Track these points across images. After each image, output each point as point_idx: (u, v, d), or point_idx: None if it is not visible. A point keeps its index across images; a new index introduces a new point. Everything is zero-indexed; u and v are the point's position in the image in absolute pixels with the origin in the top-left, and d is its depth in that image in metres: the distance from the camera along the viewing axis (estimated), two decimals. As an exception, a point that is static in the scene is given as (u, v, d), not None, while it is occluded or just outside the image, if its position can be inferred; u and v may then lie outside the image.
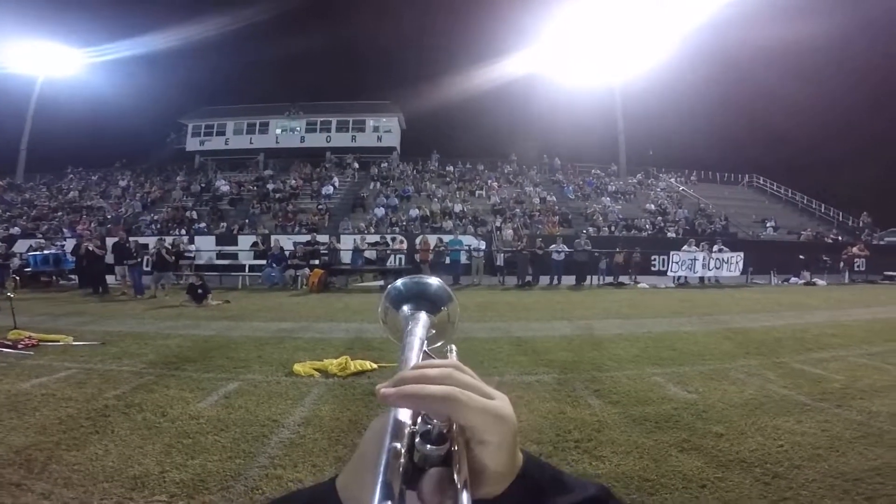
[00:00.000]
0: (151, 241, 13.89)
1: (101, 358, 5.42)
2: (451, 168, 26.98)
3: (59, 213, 22.42)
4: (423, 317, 0.47)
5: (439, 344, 0.50)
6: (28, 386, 4.42)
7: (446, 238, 15.95)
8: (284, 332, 7.27)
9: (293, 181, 24.29)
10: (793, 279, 16.92)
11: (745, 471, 3.10)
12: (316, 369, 4.95)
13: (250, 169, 27.21)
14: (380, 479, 0.28)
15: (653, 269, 16.63)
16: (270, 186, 23.66)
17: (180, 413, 3.79)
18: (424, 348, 0.44)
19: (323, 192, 22.91)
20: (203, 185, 24.71)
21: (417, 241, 15.68)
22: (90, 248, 11.68)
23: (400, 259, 15.34)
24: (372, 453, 0.37)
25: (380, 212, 20.84)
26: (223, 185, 24.09)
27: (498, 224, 19.64)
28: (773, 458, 3.26)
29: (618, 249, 16.04)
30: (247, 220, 20.21)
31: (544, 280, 14.85)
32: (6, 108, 27.30)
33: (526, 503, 0.39)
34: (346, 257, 14.70)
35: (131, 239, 12.25)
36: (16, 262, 13.85)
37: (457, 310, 0.51)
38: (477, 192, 24.11)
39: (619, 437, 3.66)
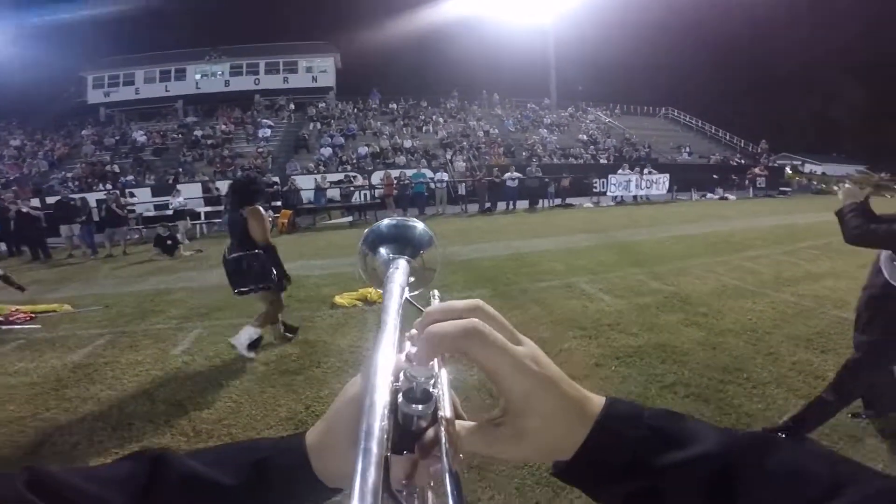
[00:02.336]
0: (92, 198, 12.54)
1: (125, 320, 5.23)
2: (395, 105, 26.39)
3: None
4: (402, 263, 0.44)
5: (419, 291, 0.47)
6: (79, 357, 4.15)
7: (409, 172, 16.33)
8: (291, 271, 7.37)
9: (223, 126, 22.56)
10: (709, 195, 19.49)
11: (736, 336, 4.14)
12: (356, 299, 5.31)
13: (168, 117, 24.76)
14: (361, 446, 0.24)
15: (594, 190, 18.17)
16: (199, 133, 21.84)
17: (268, 354, 3.96)
18: (406, 295, 0.41)
19: (260, 135, 21.65)
20: (117, 137, 22.23)
21: (380, 176, 15.94)
22: (24, 210, 10.47)
23: (365, 195, 15.48)
24: (348, 414, 0.36)
25: (326, 151, 20.28)
26: (141, 136, 21.85)
27: (449, 157, 19.99)
28: (749, 328, 4.35)
29: (564, 175, 17.33)
30: (180, 169, 18.76)
31: (501, 206, 15.88)
32: None
33: (611, 464, 0.33)
34: (306, 197, 14.60)
35: (74, 196, 11.10)
36: None
37: (437, 253, 0.48)
38: (424, 128, 24.02)
39: (638, 319, 4.59)
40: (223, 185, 14.47)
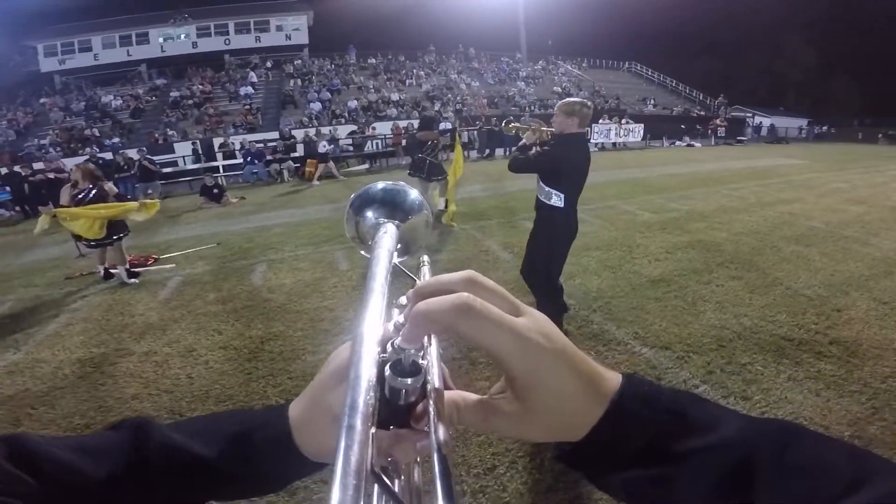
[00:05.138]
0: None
1: (257, 251, 5.77)
2: (373, 60, 26.28)
3: None
4: (391, 227, 0.42)
5: (406, 258, 0.44)
6: (259, 282, 4.69)
7: (417, 123, 16.99)
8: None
9: (199, 86, 21.95)
10: (677, 143, 21.25)
11: (748, 237, 5.55)
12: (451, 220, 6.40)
13: (135, 80, 23.77)
14: (345, 422, 0.23)
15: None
16: (176, 94, 21.24)
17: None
18: (394, 260, 0.40)
19: (242, 93, 21.30)
20: (83, 103, 21.32)
21: (389, 127, 17.13)
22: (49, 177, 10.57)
23: (377, 144, 16.33)
24: (331, 388, 0.35)
25: (316, 106, 20.39)
26: (115, 100, 21.10)
27: (437, 108, 20.62)
28: (754, 231, 5.82)
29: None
30: (168, 130, 18.46)
31: (499, 152, 17.02)
32: None
33: (626, 448, 0.31)
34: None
35: (101, 155, 11.16)
36: None
37: (428, 219, 0.46)
38: (407, 82, 24.27)
39: (676, 226, 6.04)
40: (244, 139, 15.08)
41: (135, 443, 0.38)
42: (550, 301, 3.15)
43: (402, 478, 0.32)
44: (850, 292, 3.88)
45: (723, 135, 22.41)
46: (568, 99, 2.99)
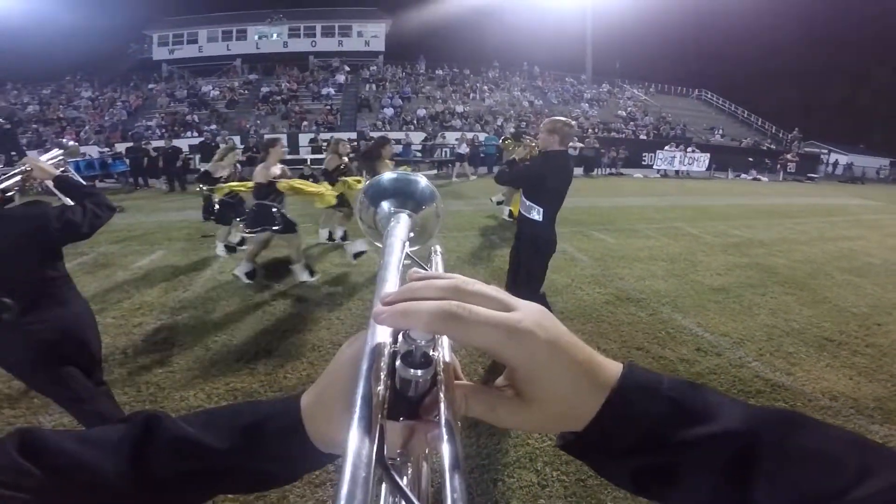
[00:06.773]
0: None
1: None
2: (441, 72, 27.59)
3: (35, 126, 20.40)
4: (403, 217, 0.43)
5: (417, 247, 0.44)
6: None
7: (482, 136, 18.47)
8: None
9: (286, 84, 23.99)
10: (743, 175, 21.02)
11: (803, 265, 6.03)
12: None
13: (230, 74, 26.30)
14: (355, 413, 0.24)
15: (642, 163, 19.90)
16: (265, 89, 23.34)
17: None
18: (406, 250, 0.40)
19: (324, 93, 23.08)
20: (186, 90, 23.86)
21: (455, 137, 18.09)
22: (167, 149, 12.37)
23: (446, 152, 17.63)
24: (343, 378, 0.35)
25: (389, 111, 21.81)
26: (214, 91, 23.45)
27: (500, 123, 21.52)
28: (810, 260, 6.29)
29: (622, 148, 19.23)
30: (257, 122, 20.39)
31: None
32: None
33: (627, 437, 0.31)
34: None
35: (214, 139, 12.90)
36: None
37: (440, 208, 0.46)
38: (471, 95, 25.36)
39: (736, 250, 6.54)
40: (332, 136, 16.45)
41: (145, 435, 0.37)
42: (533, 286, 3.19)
43: (412, 470, 0.32)
44: (894, 313, 4.35)
45: (792, 170, 22.01)
46: (552, 117, 3.07)
